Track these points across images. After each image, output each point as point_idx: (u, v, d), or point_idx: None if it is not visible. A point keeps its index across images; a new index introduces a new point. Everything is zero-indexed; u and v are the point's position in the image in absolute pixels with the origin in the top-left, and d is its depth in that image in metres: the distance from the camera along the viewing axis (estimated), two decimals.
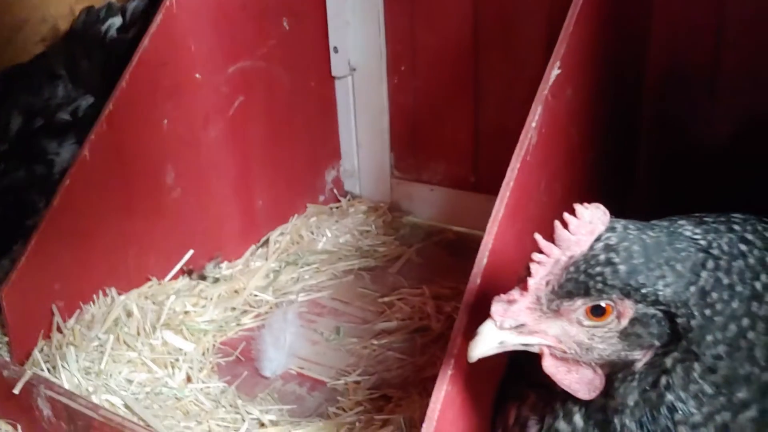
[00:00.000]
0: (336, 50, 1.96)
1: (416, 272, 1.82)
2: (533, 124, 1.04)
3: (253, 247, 1.87)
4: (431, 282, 1.74)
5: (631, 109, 1.43)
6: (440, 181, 1.99)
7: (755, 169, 1.26)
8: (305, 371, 1.52)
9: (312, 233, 1.95)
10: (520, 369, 0.95)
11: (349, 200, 2.10)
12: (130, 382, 1.42)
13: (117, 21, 1.80)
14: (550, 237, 0.78)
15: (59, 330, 1.47)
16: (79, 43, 1.82)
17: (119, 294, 1.57)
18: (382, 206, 2.05)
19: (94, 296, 1.53)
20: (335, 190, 2.11)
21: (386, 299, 1.71)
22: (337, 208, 2.07)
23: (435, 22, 1.86)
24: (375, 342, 1.56)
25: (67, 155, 1.63)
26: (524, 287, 0.79)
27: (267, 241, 1.88)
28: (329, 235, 1.95)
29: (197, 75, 1.62)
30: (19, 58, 2.10)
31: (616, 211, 0.80)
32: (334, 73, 1.99)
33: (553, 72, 1.08)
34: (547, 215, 0.81)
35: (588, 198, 0.79)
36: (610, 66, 1.26)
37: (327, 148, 2.06)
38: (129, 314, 1.52)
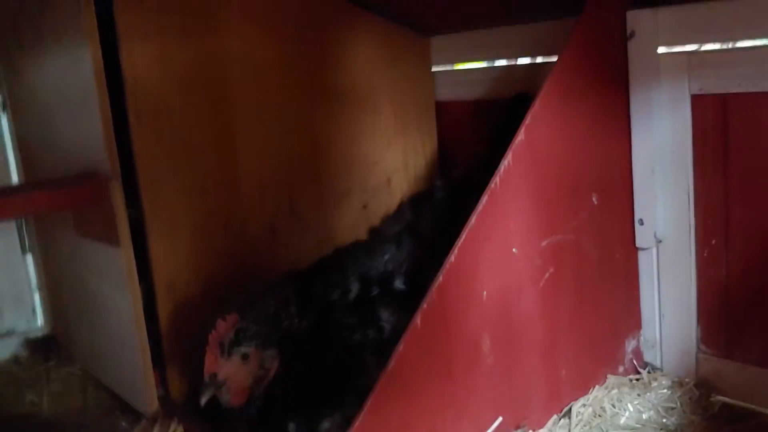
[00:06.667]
0: (642, 222, 1.97)
1: None
2: None
3: (555, 417, 1.87)
4: None
5: None
6: (756, 360, 1.87)
7: None
8: None
9: (614, 406, 1.90)
10: None
11: (649, 372, 2.03)
12: None
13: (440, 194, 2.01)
14: None
15: None
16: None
17: None
18: (687, 382, 1.96)
19: None
20: (635, 361, 2.06)
21: None
22: (637, 380, 2.02)
23: (751, 196, 1.81)
24: None
25: (394, 319, 1.78)
26: None
27: (569, 412, 1.88)
28: (631, 409, 1.90)
29: (514, 249, 1.72)
30: (344, 220, 2.39)
31: None
32: (638, 244, 2.00)
33: None
34: None
35: None
36: None
37: (628, 318, 2.04)
38: None
